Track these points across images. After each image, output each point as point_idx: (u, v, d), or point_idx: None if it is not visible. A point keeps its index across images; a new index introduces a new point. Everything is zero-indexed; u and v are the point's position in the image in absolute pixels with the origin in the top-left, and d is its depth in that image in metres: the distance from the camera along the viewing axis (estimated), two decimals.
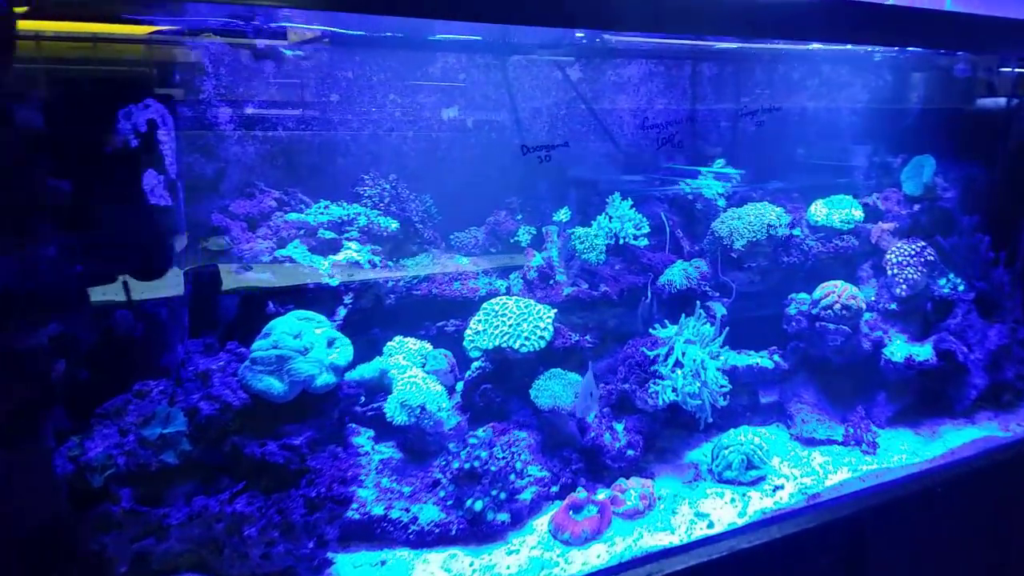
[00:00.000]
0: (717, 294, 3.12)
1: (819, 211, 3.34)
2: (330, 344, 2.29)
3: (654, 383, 2.70)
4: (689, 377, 2.73)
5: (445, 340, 2.77)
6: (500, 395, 2.65)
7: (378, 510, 2.28)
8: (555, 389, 2.63)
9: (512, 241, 2.94)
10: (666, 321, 2.75)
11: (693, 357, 2.76)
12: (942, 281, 3.36)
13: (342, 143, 2.65)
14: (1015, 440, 3.10)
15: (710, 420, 2.70)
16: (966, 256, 3.37)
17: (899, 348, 3.15)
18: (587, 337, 2.79)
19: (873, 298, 3.25)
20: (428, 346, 2.72)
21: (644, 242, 3.01)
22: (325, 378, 2.17)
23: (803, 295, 3.18)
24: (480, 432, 2.53)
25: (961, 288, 3.32)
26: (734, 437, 2.81)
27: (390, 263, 2.62)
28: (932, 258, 3.21)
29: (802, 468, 2.82)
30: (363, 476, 2.38)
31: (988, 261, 3.33)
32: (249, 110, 2.49)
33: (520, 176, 2.99)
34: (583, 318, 2.81)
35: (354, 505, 2.24)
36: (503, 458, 2.39)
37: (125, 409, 2.09)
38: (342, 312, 2.45)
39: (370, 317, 2.63)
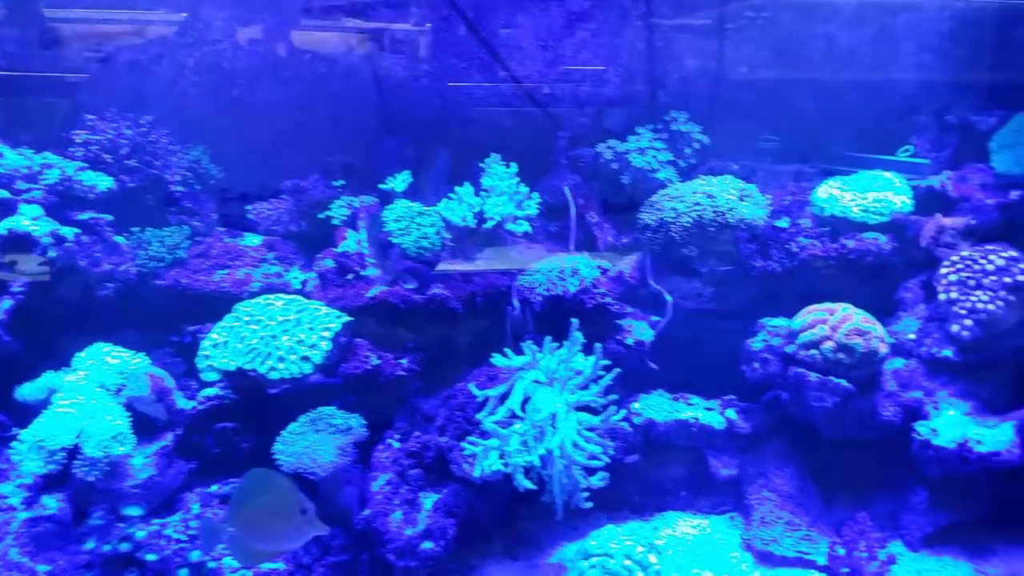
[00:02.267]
0: (633, 310, 2.01)
1: (830, 195, 2.02)
2: None
3: (473, 442, 1.71)
4: (530, 439, 1.70)
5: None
6: (251, 439, 1.75)
7: None
8: (313, 441, 1.72)
9: (321, 217, 2.01)
10: (530, 346, 1.66)
11: (541, 407, 1.72)
12: None
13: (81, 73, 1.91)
14: None
15: (562, 513, 1.60)
16: None
17: (949, 424, 1.79)
18: (403, 361, 1.85)
19: (912, 337, 1.91)
20: (140, 360, 1.76)
21: (524, 227, 1.99)
22: None
23: (780, 321, 1.93)
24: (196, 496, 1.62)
25: None
26: (607, 540, 1.64)
27: (120, 238, 1.84)
28: None
29: None
30: None
31: None
32: None
33: (362, 126, 2.09)
34: (407, 332, 1.87)
35: None
36: (179, 540, 1.54)
37: None
38: (6, 304, 1.72)
39: (70, 315, 1.82)
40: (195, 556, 1.57)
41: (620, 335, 1.91)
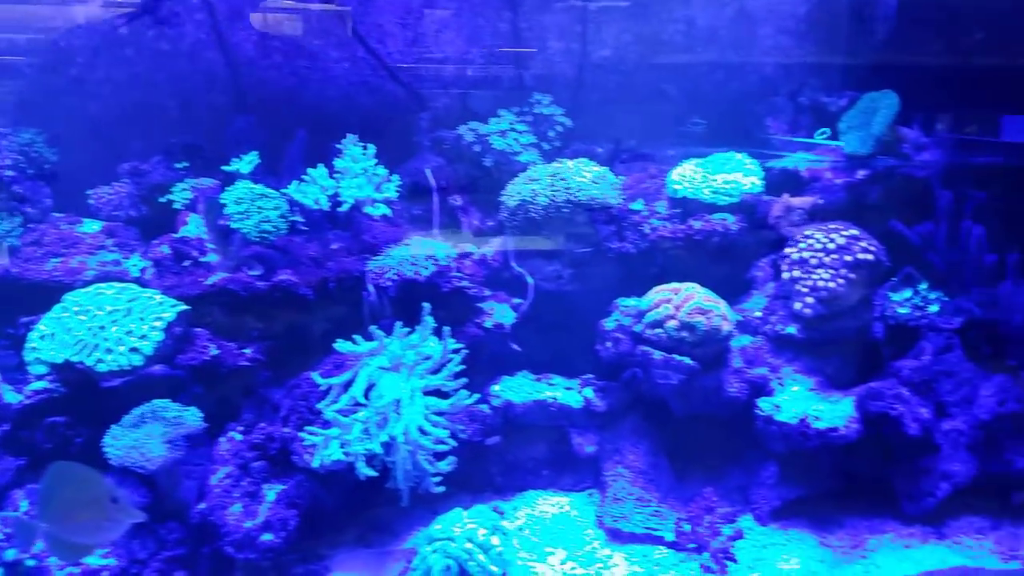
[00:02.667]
0: (493, 293, 2.00)
1: (684, 176, 2.03)
2: None
3: (313, 432, 1.67)
4: (372, 426, 1.68)
5: None
6: (84, 433, 1.64)
7: None
8: (144, 434, 1.64)
9: (163, 201, 1.90)
10: (376, 332, 1.61)
11: (385, 394, 1.69)
12: (904, 294, 2.02)
13: None
14: None
15: (408, 499, 1.58)
16: (951, 257, 2.00)
17: (793, 400, 1.82)
18: (246, 351, 1.79)
19: (759, 315, 1.95)
20: None
21: (383, 210, 1.94)
22: None
23: (632, 301, 1.94)
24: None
25: (934, 309, 1.97)
26: (449, 522, 1.62)
27: None
28: (871, 257, 1.86)
29: None
30: None
31: (988, 268, 1.96)
32: None
33: (212, 105, 2.01)
34: (255, 320, 1.81)
35: None
36: None
37: None
38: None
39: None
40: (11, 555, 1.48)
41: (480, 318, 1.89)
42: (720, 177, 1.98)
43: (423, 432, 1.63)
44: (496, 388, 1.91)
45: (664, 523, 1.79)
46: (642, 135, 2.23)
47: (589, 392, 1.94)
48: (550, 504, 1.94)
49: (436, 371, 1.69)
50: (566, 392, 1.96)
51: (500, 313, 1.93)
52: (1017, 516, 1.80)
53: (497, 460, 1.98)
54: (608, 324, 1.92)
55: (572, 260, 1.96)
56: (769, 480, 1.86)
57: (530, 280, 1.97)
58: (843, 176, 2.02)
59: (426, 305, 1.70)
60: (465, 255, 2.03)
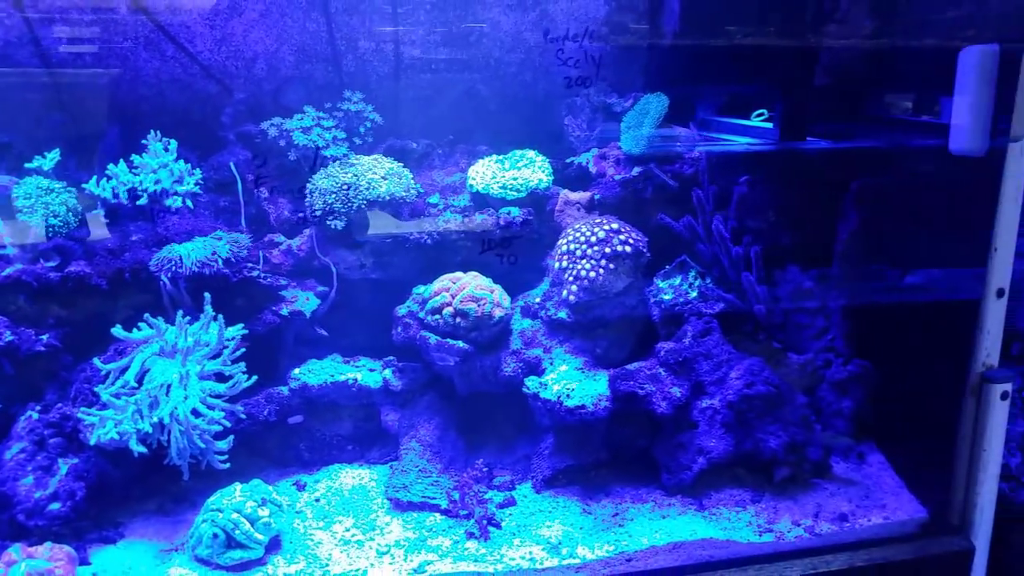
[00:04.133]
0: (299, 281, 2.09)
1: (481, 172, 2.14)
2: None
3: (88, 412, 1.76)
4: (144, 408, 1.78)
5: None
6: None
7: None
8: None
9: None
10: (151, 320, 1.70)
11: (156, 377, 1.78)
12: (674, 281, 2.16)
13: None
14: (775, 552, 1.77)
15: (188, 474, 1.69)
16: (710, 248, 2.14)
17: (559, 379, 1.93)
18: (43, 337, 1.87)
19: (538, 301, 2.10)
20: None
21: (179, 202, 2.02)
22: None
23: (422, 289, 2.03)
24: None
25: (693, 295, 2.12)
26: (224, 495, 1.74)
27: None
28: (629, 248, 1.98)
29: (354, 553, 1.72)
30: None
31: (736, 258, 2.03)
32: None
33: (25, 104, 2.04)
34: (60, 308, 1.87)
35: None
36: None
37: None
38: None
39: None
40: None
41: (277, 306, 1.99)
42: (509, 175, 2.09)
43: (197, 414, 1.75)
44: (296, 371, 2.02)
45: (440, 492, 1.94)
46: (458, 133, 2.34)
47: (388, 373, 2.06)
48: (351, 477, 2.06)
49: (214, 356, 1.80)
50: (368, 373, 2.08)
51: (302, 301, 2.04)
52: (779, 491, 1.95)
53: (307, 437, 2.10)
54: (400, 311, 2.03)
55: (374, 250, 2.06)
56: (546, 451, 2.00)
57: (333, 269, 2.07)
58: (622, 172, 2.15)
59: (207, 295, 1.80)
60: (273, 245, 2.13)
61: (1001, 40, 1.77)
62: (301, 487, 2.01)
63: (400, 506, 1.93)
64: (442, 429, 2.03)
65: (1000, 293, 1.88)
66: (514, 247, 2.03)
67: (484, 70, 2.27)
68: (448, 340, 1.88)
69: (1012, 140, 1.76)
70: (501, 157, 2.17)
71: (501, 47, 2.28)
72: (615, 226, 1.96)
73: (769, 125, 2.24)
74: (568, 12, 2.28)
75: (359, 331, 2.12)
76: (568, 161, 2.25)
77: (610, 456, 1.99)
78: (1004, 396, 1.89)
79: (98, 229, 2.04)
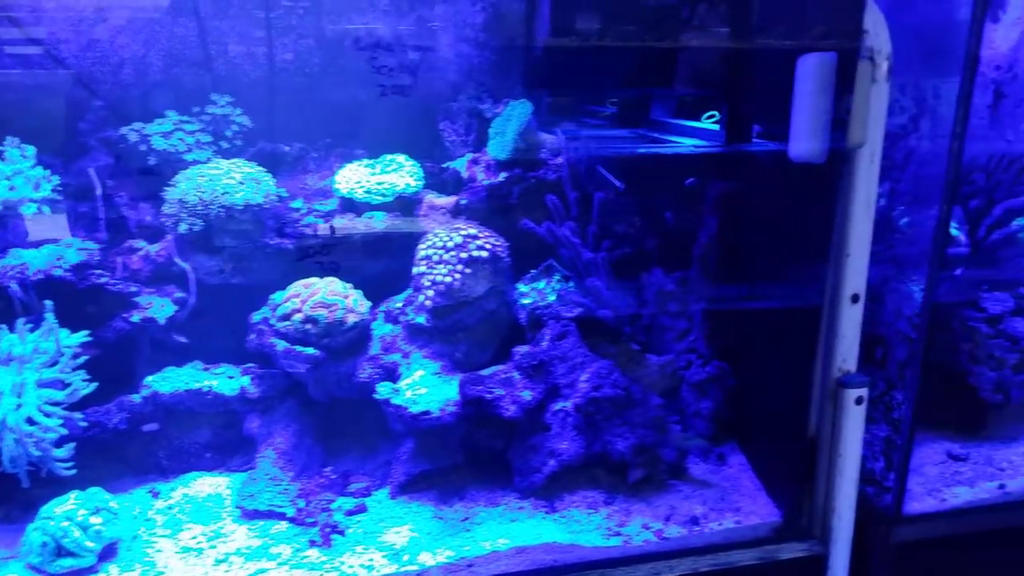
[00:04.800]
0: (158, 288, 2.06)
1: (347, 177, 2.11)
2: None
3: None
4: None
5: None
6: None
7: None
8: None
9: None
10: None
11: None
12: (538, 284, 2.15)
13: None
14: (620, 556, 1.73)
15: (27, 482, 1.64)
16: (568, 253, 2.12)
17: (414, 384, 1.88)
18: None
19: (399, 306, 2.07)
20: None
21: (33, 209, 1.98)
22: None
23: (277, 295, 2.01)
24: None
25: (552, 299, 2.10)
26: (57, 503, 1.69)
27: None
28: (486, 254, 1.94)
29: (192, 561, 1.67)
30: None
31: (589, 261, 1.99)
32: None
33: None
34: None
35: None
36: None
37: None
38: None
39: None
40: None
41: (128, 313, 1.95)
42: (376, 179, 2.08)
43: (32, 422, 1.70)
44: (149, 379, 1.97)
45: (288, 500, 1.89)
46: (336, 137, 2.32)
47: (247, 380, 2.03)
48: (209, 485, 2.01)
49: (52, 364, 1.76)
50: (227, 380, 2.04)
51: (158, 307, 1.99)
52: (633, 493, 1.93)
53: (165, 445, 2.05)
54: (255, 317, 2.00)
55: (233, 255, 2.03)
56: (404, 456, 1.97)
57: (191, 274, 2.04)
58: (492, 178, 2.14)
59: (48, 302, 1.77)
60: (132, 251, 2.09)
61: (839, 48, 1.79)
62: (155, 494, 1.96)
63: (248, 514, 1.88)
64: (298, 436, 1.99)
65: (855, 299, 1.89)
66: (388, 252, 2.02)
67: (361, 74, 2.27)
68: (296, 347, 1.85)
69: (852, 147, 1.77)
70: (372, 161, 2.16)
71: (375, 53, 2.28)
72: (472, 231, 1.94)
73: (716, 127, 2.26)
74: (445, 17, 2.29)
75: (222, 338, 2.08)
76: (444, 166, 2.25)
77: (467, 459, 1.96)
78: (859, 401, 1.89)
79: None
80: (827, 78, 1.77)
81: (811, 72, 1.78)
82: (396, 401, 1.87)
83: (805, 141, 1.81)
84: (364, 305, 1.94)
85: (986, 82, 2.55)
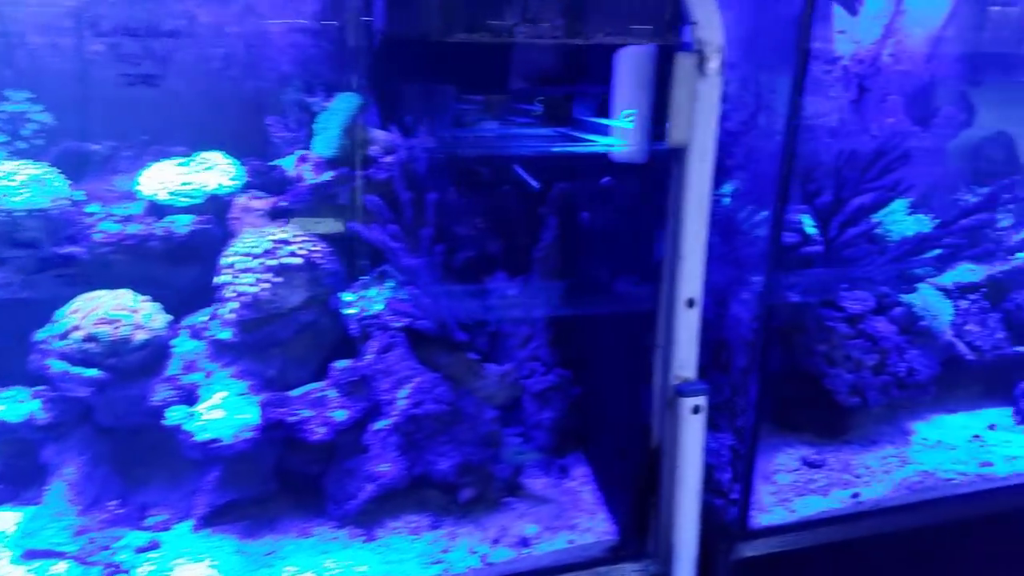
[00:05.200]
0: None
1: (152, 177, 1.88)
2: None
3: None
4: None
5: None
6: None
7: None
8: None
9: None
10: None
11: None
12: (367, 292, 1.99)
13: None
14: None
15: None
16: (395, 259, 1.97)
17: (214, 407, 1.67)
18: None
19: (204, 320, 1.85)
20: None
21: None
22: None
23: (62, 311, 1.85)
24: None
25: (379, 307, 1.95)
26: None
27: None
28: (299, 260, 1.75)
29: None
30: None
31: (408, 267, 1.83)
32: None
33: None
34: None
35: None
36: None
37: None
38: None
39: None
40: None
41: None
42: (183, 179, 1.89)
43: None
44: None
45: (70, 537, 1.68)
46: (155, 134, 2.12)
47: (36, 405, 1.81)
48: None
49: None
50: (16, 405, 1.82)
51: None
52: (463, 515, 1.79)
53: None
54: (40, 335, 1.77)
55: (20, 267, 1.82)
56: (208, 485, 1.78)
57: None
58: (318, 177, 1.98)
59: None
60: None
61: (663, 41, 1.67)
62: None
63: (28, 554, 1.67)
64: (91, 466, 1.78)
65: (691, 303, 1.77)
66: (197, 259, 1.83)
67: (181, 66, 2.08)
68: (72, 369, 1.65)
69: (674, 146, 1.66)
70: (185, 160, 1.97)
71: (201, 41, 2.09)
72: (284, 236, 1.76)
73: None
74: (274, 6, 2.12)
75: (11, 358, 1.87)
76: (271, 164, 2.08)
77: (282, 487, 1.79)
78: (696, 410, 1.77)
79: None
80: (645, 73, 1.66)
81: (627, 67, 1.67)
82: (188, 427, 1.69)
83: (626, 141, 1.71)
84: (158, 320, 1.75)
85: (849, 76, 2.51)
